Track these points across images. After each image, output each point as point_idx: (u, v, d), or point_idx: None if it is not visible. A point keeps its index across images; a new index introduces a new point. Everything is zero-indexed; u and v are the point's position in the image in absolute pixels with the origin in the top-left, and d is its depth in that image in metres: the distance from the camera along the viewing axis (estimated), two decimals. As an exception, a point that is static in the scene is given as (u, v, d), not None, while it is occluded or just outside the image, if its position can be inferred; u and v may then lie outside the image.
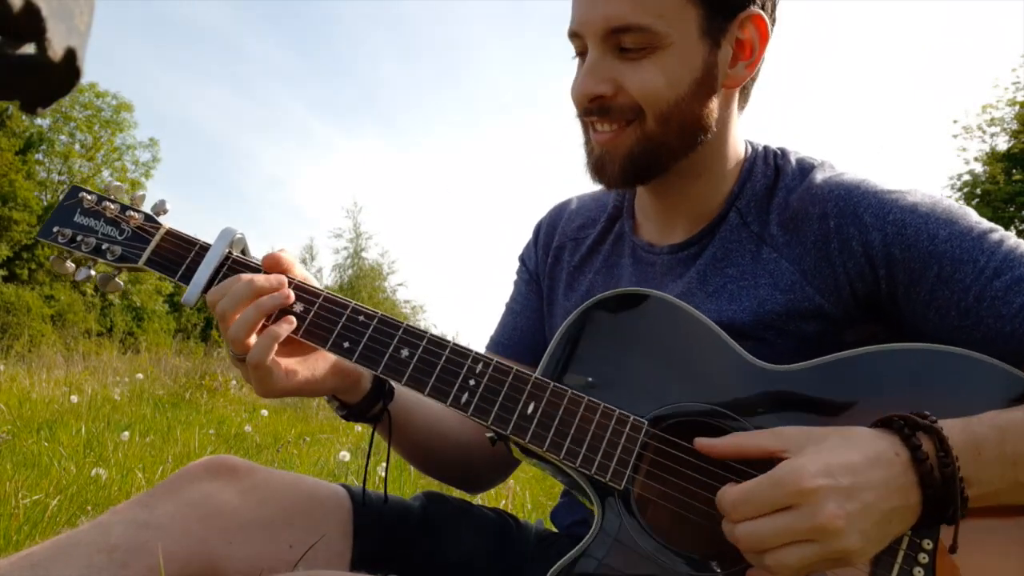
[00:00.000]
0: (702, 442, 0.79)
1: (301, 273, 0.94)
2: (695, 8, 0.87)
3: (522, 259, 1.24)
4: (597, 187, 0.99)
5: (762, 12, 0.90)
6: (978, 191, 16.53)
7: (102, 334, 23.06)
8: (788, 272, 0.92)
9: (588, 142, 0.96)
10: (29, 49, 0.29)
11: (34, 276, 25.43)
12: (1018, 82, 15.77)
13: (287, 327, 0.88)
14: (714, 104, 0.92)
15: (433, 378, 0.85)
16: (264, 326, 0.88)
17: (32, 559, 0.79)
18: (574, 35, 0.92)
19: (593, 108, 0.92)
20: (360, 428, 5.35)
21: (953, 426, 0.74)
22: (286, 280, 0.90)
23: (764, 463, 0.75)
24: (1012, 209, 15.72)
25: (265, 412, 5.77)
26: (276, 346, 0.86)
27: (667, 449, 0.82)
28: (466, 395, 0.84)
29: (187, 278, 0.91)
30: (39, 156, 27.16)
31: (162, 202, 0.97)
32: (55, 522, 1.99)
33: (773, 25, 0.95)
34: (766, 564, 0.69)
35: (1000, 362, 0.82)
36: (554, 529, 1.13)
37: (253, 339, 0.87)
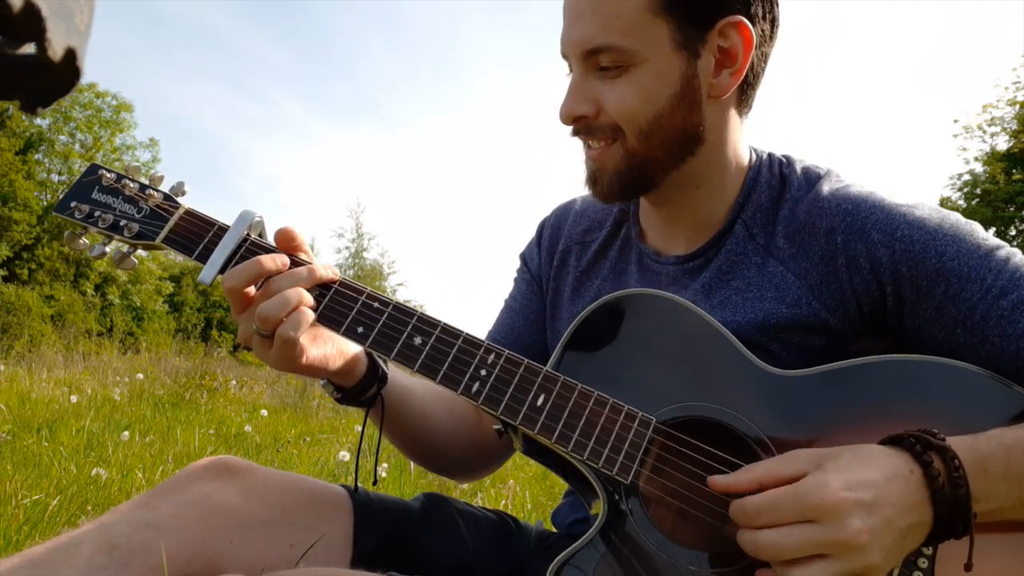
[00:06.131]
0: (717, 481, 0.76)
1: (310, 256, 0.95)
2: (665, 23, 0.87)
3: (523, 258, 1.23)
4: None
5: (744, 19, 0.88)
6: (978, 191, 16.54)
7: (102, 334, 23.06)
8: (794, 286, 0.91)
9: (585, 158, 0.98)
10: (29, 49, 0.29)
11: (34, 276, 25.42)
12: (1018, 82, 15.79)
13: (311, 314, 0.88)
14: (702, 115, 0.92)
15: (445, 366, 0.86)
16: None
17: (33, 559, 0.79)
18: (564, 56, 0.95)
19: (579, 128, 0.94)
20: (360, 428, 5.34)
21: (961, 443, 0.74)
22: (319, 273, 0.90)
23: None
24: (1012, 209, 15.73)
25: (265, 412, 5.77)
26: (306, 325, 0.86)
27: (673, 446, 0.83)
28: (477, 384, 0.85)
29: (204, 258, 0.91)
30: (39, 156, 27.14)
31: (180, 183, 0.97)
32: (55, 522, 1.99)
33: (772, 29, 0.94)
34: None
35: (1003, 379, 0.82)
36: (554, 530, 1.13)
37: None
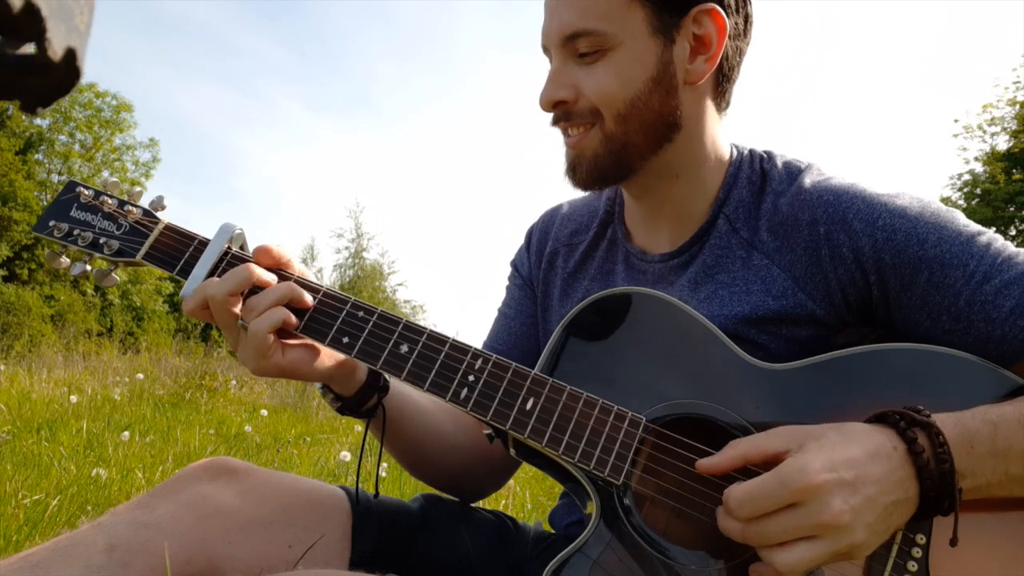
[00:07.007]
0: (704, 464, 0.77)
1: (299, 268, 0.94)
2: (641, 8, 0.89)
3: (514, 264, 1.24)
4: (581, 192, 1.01)
5: (718, 6, 0.91)
6: (978, 191, 16.54)
7: (102, 334, 23.07)
8: (780, 278, 0.92)
9: (565, 148, 0.99)
10: (29, 49, 0.29)
11: (34, 276, 25.43)
12: (1019, 81, 15.78)
13: (293, 317, 0.88)
14: (678, 101, 0.93)
15: (433, 373, 0.86)
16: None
17: (32, 559, 0.79)
18: (544, 49, 0.97)
19: (559, 114, 0.96)
20: (360, 428, 5.35)
21: (945, 420, 0.75)
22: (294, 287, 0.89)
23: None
24: (1012, 209, 15.72)
25: (265, 412, 5.77)
26: (280, 322, 0.86)
27: (664, 444, 0.83)
28: (465, 390, 0.85)
29: (185, 272, 0.92)
30: (39, 156, 27.17)
31: (160, 198, 0.97)
32: (55, 522, 2.00)
33: (747, 25, 0.96)
34: (775, 563, 0.69)
35: (989, 363, 0.83)
36: (552, 531, 1.13)
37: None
